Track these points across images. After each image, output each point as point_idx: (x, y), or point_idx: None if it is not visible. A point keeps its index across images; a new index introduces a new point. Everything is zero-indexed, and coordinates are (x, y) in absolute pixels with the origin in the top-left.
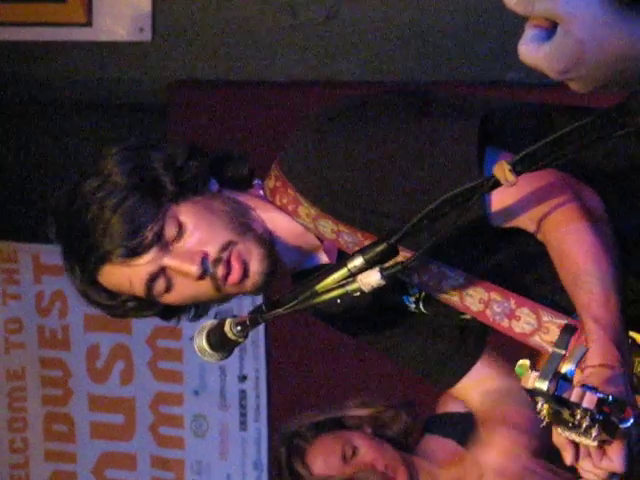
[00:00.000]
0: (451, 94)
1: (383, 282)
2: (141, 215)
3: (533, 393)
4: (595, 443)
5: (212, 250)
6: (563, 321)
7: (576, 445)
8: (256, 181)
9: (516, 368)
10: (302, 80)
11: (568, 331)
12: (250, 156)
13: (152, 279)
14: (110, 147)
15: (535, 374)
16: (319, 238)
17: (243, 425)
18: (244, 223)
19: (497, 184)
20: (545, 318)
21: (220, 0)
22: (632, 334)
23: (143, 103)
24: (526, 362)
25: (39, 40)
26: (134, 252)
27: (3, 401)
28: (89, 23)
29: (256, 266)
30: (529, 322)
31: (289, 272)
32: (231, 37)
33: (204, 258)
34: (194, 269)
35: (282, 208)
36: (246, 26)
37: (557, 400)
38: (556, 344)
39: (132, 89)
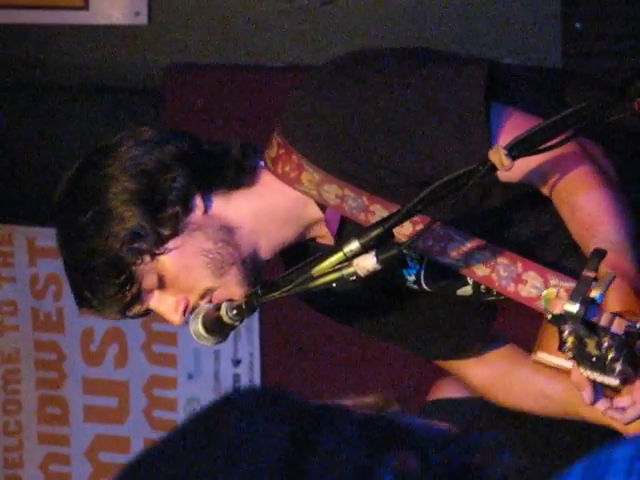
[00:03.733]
0: (452, 51)
1: (379, 266)
2: (117, 282)
3: (560, 320)
4: (617, 381)
5: (192, 298)
6: (571, 284)
7: (594, 385)
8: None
9: (542, 299)
10: (299, 65)
11: (598, 255)
12: (250, 141)
13: (141, 315)
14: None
15: (563, 300)
16: (321, 207)
17: None
18: (225, 259)
19: (493, 168)
20: (552, 281)
21: None
22: None
23: (139, 87)
24: (552, 291)
25: (35, 23)
26: (119, 314)
27: None
28: (85, 6)
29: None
30: (536, 286)
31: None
32: (227, 21)
33: (186, 306)
34: (177, 319)
35: (283, 177)
36: (243, 10)
37: (586, 324)
38: (586, 267)
39: (128, 73)
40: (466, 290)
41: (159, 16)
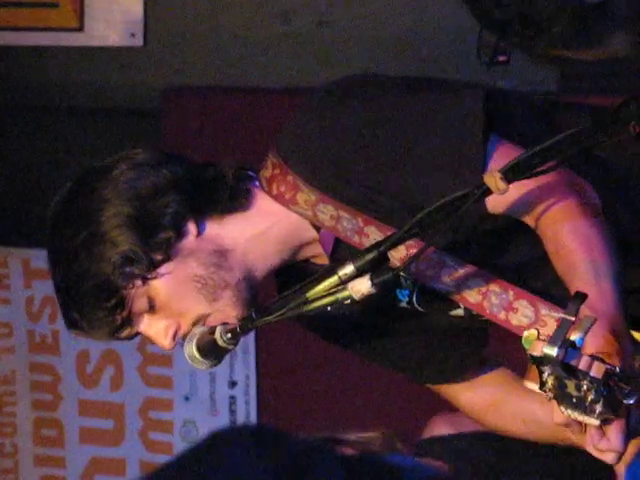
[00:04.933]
0: (450, 78)
1: (373, 290)
2: (107, 306)
3: (540, 361)
4: (598, 422)
5: (184, 324)
6: (561, 314)
7: (578, 422)
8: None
9: (522, 340)
10: (295, 87)
11: (578, 298)
12: (245, 162)
13: (131, 338)
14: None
15: (544, 342)
16: (316, 227)
17: None
18: (217, 284)
19: (488, 192)
20: (543, 311)
21: (213, 6)
22: (633, 333)
23: (135, 109)
24: (533, 332)
25: (30, 45)
26: (108, 336)
27: None
28: (81, 28)
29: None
30: (527, 315)
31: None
32: (224, 43)
33: (176, 331)
34: (167, 344)
35: (278, 197)
36: (239, 32)
37: (565, 368)
38: (566, 311)
39: (124, 94)
40: (459, 311)
41: (155, 38)
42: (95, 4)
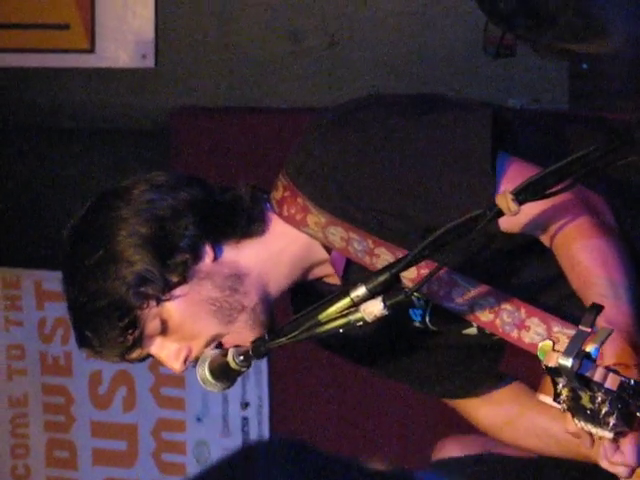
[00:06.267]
0: (458, 96)
1: (386, 312)
2: (120, 325)
3: (555, 372)
4: (611, 435)
5: (196, 347)
6: (573, 331)
7: (591, 435)
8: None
9: (538, 351)
10: (305, 107)
11: (594, 310)
12: (257, 183)
13: (140, 360)
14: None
15: (559, 352)
16: (327, 248)
17: None
18: (233, 307)
19: (500, 213)
20: (555, 328)
21: (223, 27)
22: None
23: (146, 129)
24: (548, 343)
25: (42, 66)
26: (119, 357)
27: (6, 428)
28: (92, 49)
29: None
30: (539, 332)
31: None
32: (234, 64)
33: (188, 355)
34: (177, 367)
35: (289, 219)
36: (249, 53)
37: (579, 379)
38: (582, 322)
39: (135, 116)
40: (472, 330)
41: (166, 59)
42: (106, 25)
